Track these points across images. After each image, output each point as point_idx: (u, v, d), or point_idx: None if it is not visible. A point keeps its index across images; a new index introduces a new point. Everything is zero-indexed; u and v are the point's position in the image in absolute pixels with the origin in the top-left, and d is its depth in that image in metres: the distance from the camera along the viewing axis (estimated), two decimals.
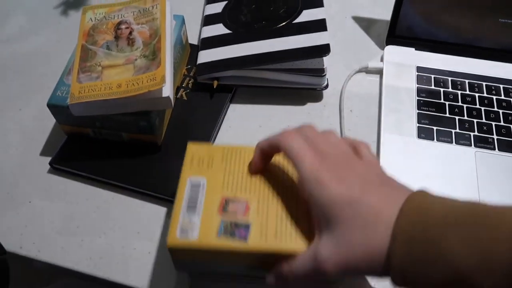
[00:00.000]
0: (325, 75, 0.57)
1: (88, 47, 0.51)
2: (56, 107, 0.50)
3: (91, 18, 0.54)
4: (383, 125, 0.56)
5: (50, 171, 0.54)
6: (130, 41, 0.51)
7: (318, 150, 0.37)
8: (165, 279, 0.46)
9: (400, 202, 0.32)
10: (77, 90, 0.47)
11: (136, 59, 0.49)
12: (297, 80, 0.57)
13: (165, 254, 0.48)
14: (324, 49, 0.55)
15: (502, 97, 0.59)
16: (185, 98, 0.58)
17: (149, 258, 0.48)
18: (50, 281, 1.12)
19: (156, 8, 0.53)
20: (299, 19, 0.59)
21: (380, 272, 0.32)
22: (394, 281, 0.32)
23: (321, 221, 0.35)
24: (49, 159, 0.54)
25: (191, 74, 0.61)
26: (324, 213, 0.34)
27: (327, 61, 0.57)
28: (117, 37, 0.52)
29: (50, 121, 0.58)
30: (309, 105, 0.60)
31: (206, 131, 0.55)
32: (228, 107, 0.60)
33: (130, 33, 0.52)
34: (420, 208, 0.32)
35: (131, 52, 0.50)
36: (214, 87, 0.58)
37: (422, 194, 0.33)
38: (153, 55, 0.49)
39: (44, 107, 0.52)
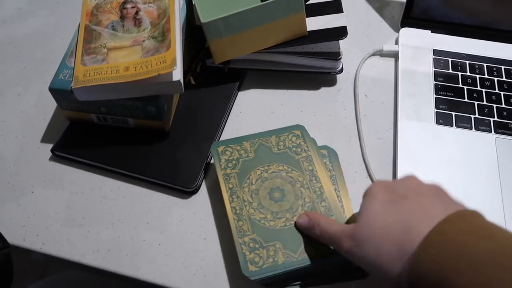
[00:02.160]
0: (341, 58, 0.54)
1: (92, 27, 0.48)
2: (58, 92, 0.48)
3: None
4: (400, 111, 0.54)
5: (52, 159, 0.52)
6: (137, 21, 0.48)
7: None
8: (177, 272, 0.44)
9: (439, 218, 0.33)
10: (82, 73, 0.44)
11: (144, 40, 0.46)
12: (311, 63, 0.55)
13: (177, 246, 0.46)
14: (341, 32, 0.52)
15: None
16: (193, 82, 0.56)
17: (160, 250, 0.46)
18: (44, 271, 1.10)
19: None
20: (314, 0, 0.56)
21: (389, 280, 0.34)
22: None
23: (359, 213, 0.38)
24: (50, 146, 0.51)
25: (199, 57, 0.58)
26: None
27: (340, 44, 0.54)
28: (122, 17, 0.49)
29: (51, 106, 0.55)
30: (323, 90, 0.57)
31: (216, 117, 0.53)
32: (238, 92, 0.57)
33: (137, 12, 0.49)
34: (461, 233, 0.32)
35: (138, 33, 0.47)
36: (225, 71, 0.55)
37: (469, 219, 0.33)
38: (162, 36, 0.46)
39: (44, 92, 0.49)
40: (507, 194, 0.48)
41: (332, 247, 0.41)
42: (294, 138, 0.48)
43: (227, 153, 0.47)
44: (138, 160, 0.50)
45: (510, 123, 0.53)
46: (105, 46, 0.46)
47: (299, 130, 0.49)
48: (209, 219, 0.48)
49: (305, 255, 0.41)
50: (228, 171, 0.46)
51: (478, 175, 0.49)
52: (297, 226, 0.42)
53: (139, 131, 0.51)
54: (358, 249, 0.35)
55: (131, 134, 0.51)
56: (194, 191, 0.49)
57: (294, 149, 0.47)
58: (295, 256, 0.41)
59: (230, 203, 0.44)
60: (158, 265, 0.45)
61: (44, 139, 0.53)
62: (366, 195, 0.38)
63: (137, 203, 0.49)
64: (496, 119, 0.53)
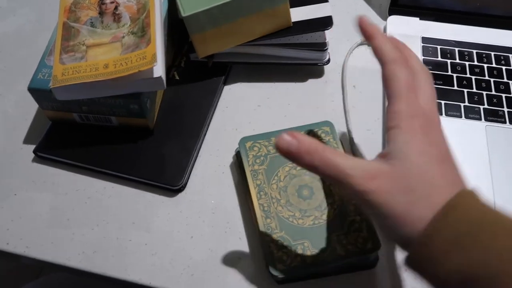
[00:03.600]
0: (327, 49, 0.53)
1: (70, 24, 0.47)
2: (38, 91, 0.46)
3: None
4: None
5: (35, 160, 0.51)
6: (116, 17, 0.47)
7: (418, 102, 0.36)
8: (164, 272, 0.43)
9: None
10: (60, 72, 0.43)
11: (123, 36, 0.45)
12: (297, 55, 0.54)
13: (163, 245, 0.45)
14: (326, 22, 0.51)
15: None
16: (177, 77, 0.55)
17: (146, 250, 0.45)
18: (40, 273, 1.09)
19: None
20: None
21: (400, 237, 0.32)
22: (413, 254, 0.31)
23: (393, 155, 0.33)
24: (33, 147, 0.50)
25: (183, 51, 0.57)
26: (400, 152, 0.33)
27: (327, 34, 0.53)
28: (101, 13, 0.47)
29: (32, 106, 0.54)
30: (310, 82, 0.56)
31: (201, 113, 0.52)
32: (224, 86, 0.56)
33: (116, 8, 0.47)
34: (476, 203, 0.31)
35: (118, 29, 0.46)
36: (209, 65, 0.54)
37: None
38: (142, 31, 0.45)
39: (25, 92, 0.48)
40: (497, 182, 0.47)
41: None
42: (323, 135, 0.47)
43: (255, 148, 0.46)
44: (123, 159, 0.49)
45: (501, 111, 0.52)
46: (84, 44, 0.45)
47: (328, 126, 0.48)
48: (196, 217, 0.47)
49: (334, 254, 0.40)
50: (256, 167, 0.45)
51: (469, 164, 0.48)
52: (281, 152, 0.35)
53: (123, 130, 0.50)
54: (390, 196, 0.31)
55: (115, 132, 0.50)
56: (181, 189, 0.48)
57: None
58: (323, 254, 0.40)
59: (258, 200, 0.43)
60: (145, 265, 0.44)
61: (27, 140, 0.52)
62: (399, 127, 0.34)
63: (123, 203, 0.48)
64: (486, 106, 0.53)
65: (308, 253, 0.40)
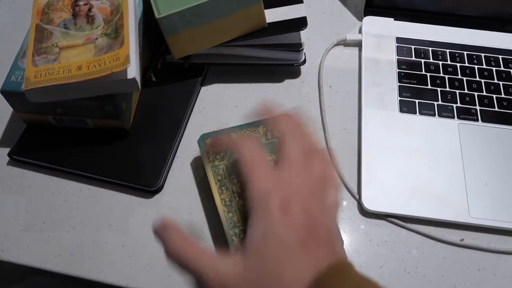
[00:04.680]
0: (303, 49, 0.53)
1: (43, 26, 0.46)
2: (10, 94, 0.46)
3: None
4: (363, 100, 0.54)
5: (10, 163, 0.50)
6: (90, 19, 0.47)
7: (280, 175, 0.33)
8: (141, 273, 0.44)
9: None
10: (33, 74, 0.43)
11: (97, 38, 0.45)
12: (273, 56, 0.54)
13: (141, 247, 0.45)
14: (301, 23, 0.51)
15: (484, 66, 0.57)
16: (154, 79, 0.55)
17: (123, 252, 0.45)
18: (24, 279, 1.08)
19: None
20: None
21: None
22: None
23: (247, 249, 0.31)
24: (8, 150, 0.50)
25: (160, 53, 0.57)
26: (253, 240, 0.30)
27: (303, 34, 0.54)
28: (75, 15, 0.47)
29: (7, 109, 0.53)
30: (287, 82, 0.57)
31: (178, 114, 0.52)
32: (201, 87, 0.56)
33: (89, 9, 0.47)
34: None
35: (91, 31, 0.46)
36: (186, 66, 0.54)
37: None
38: (116, 33, 0.45)
39: None
40: (470, 178, 0.48)
41: None
42: None
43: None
44: (99, 161, 0.49)
45: (473, 109, 0.53)
46: (56, 45, 0.45)
47: None
48: (174, 218, 0.47)
49: None
50: (217, 163, 0.45)
51: (442, 161, 0.49)
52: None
53: (99, 131, 0.50)
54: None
55: (90, 134, 0.50)
56: (158, 190, 0.48)
57: None
58: None
59: (220, 195, 0.44)
60: (122, 267, 0.44)
61: (1, 144, 0.52)
62: (258, 197, 0.31)
63: (99, 205, 0.48)
64: (459, 105, 0.54)
65: None
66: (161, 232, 0.32)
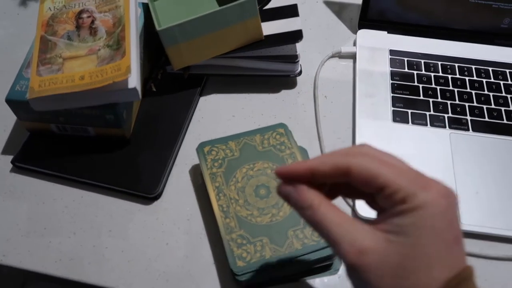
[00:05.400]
0: (299, 61, 0.55)
1: (48, 38, 0.48)
2: (15, 103, 0.48)
3: (50, 8, 0.51)
4: (357, 110, 0.55)
5: (13, 170, 0.51)
6: (93, 31, 0.48)
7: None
8: (139, 278, 0.44)
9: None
10: (37, 84, 0.44)
11: (99, 49, 0.47)
12: (270, 67, 0.56)
13: (140, 252, 0.46)
14: (297, 35, 0.53)
15: (474, 77, 0.59)
16: (154, 89, 0.56)
17: (123, 257, 0.46)
18: (24, 285, 1.08)
19: None
20: (270, 5, 0.57)
21: None
22: None
23: (400, 232, 0.28)
24: (11, 157, 0.51)
25: (160, 64, 0.58)
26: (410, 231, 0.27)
27: (299, 47, 0.55)
28: (78, 27, 0.49)
29: (10, 118, 0.55)
30: (283, 93, 0.58)
31: (177, 123, 0.54)
32: (200, 97, 0.58)
33: (92, 22, 0.49)
34: None
35: (94, 42, 0.47)
36: (185, 77, 0.56)
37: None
38: (117, 44, 0.46)
39: (3, 103, 0.49)
40: (461, 187, 0.49)
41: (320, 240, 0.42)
42: (278, 136, 0.49)
43: (213, 152, 0.48)
44: (100, 168, 0.50)
45: (464, 119, 0.55)
46: (60, 56, 0.46)
47: (282, 128, 0.50)
48: (172, 224, 0.48)
49: (292, 248, 0.42)
50: (214, 170, 0.47)
51: (434, 170, 0.51)
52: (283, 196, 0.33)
53: (100, 140, 0.51)
54: (377, 278, 0.27)
55: (92, 142, 0.51)
56: (156, 197, 0.49)
57: (278, 146, 0.48)
58: (281, 249, 0.42)
59: (217, 201, 0.45)
60: (121, 271, 0.45)
61: (5, 151, 0.53)
62: (424, 207, 0.28)
63: (100, 211, 0.49)
64: (450, 115, 0.55)
65: (267, 248, 0.42)
66: (295, 195, 0.30)
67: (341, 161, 0.30)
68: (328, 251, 0.43)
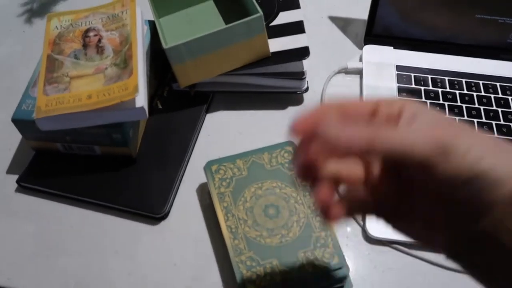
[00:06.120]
0: (305, 78, 0.55)
1: (55, 56, 0.48)
2: (21, 122, 0.47)
3: (56, 26, 0.51)
4: None
5: (18, 190, 0.51)
6: (100, 49, 0.48)
7: None
8: None
9: None
10: (44, 103, 0.44)
11: (106, 68, 0.46)
12: (277, 84, 0.55)
13: (147, 274, 0.45)
14: (303, 52, 0.53)
15: (482, 93, 0.58)
16: (160, 106, 0.56)
17: (129, 280, 0.45)
18: None
19: (126, 13, 0.51)
20: (276, 22, 0.57)
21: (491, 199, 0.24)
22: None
23: None
24: (16, 177, 0.50)
25: (166, 81, 0.58)
26: None
27: (306, 63, 0.55)
28: (85, 45, 0.49)
29: (16, 137, 0.54)
30: (290, 109, 0.58)
31: (184, 141, 0.53)
32: (206, 114, 0.57)
33: (99, 40, 0.49)
34: None
35: (101, 61, 0.47)
36: (192, 94, 0.55)
37: None
38: (124, 63, 0.46)
39: (9, 122, 0.49)
40: None
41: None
42: (286, 154, 0.49)
43: (221, 171, 0.47)
44: (106, 188, 0.49)
45: None
46: (67, 75, 0.46)
47: (290, 146, 0.49)
48: (180, 245, 0.47)
49: (303, 271, 0.41)
50: (222, 190, 0.46)
51: None
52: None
53: (106, 159, 0.51)
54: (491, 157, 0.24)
55: (98, 162, 0.51)
56: (163, 217, 0.49)
57: (287, 165, 0.48)
58: (292, 272, 0.41)
59: (226, 222, 0.44)
60: None
61: (10, 170, 0.52)
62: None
63: (106, 232, 0.48)
64: None
65: (277, 271, 0.41)
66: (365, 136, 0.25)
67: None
68: (339, 273, 0.42)
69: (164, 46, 0.49)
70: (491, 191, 0.24)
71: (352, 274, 0.45)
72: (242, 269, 0.42)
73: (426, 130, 0.25)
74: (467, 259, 0.27)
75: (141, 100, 0.45)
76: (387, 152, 0.25)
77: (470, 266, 0.27)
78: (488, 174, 0.24)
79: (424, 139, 0.25)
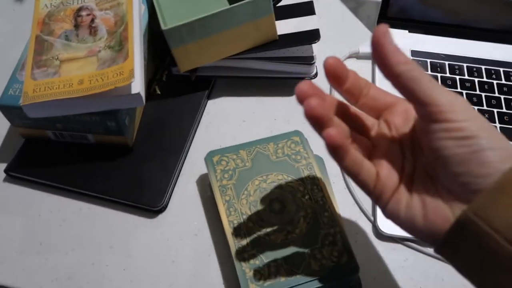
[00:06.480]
0: (315, 62, 0.51)
1: (44, 38, 0.44)
2: (8, 108, 0.44)
3: (46, 4, 0.47)
4: None
5: (6, 180, 0.48)
6: (92, 30, 0.44)
7: None
8: None
9: None
10: (31, 89, 0.40)
11: (99, 51, 0.43)
12: (284, 69, 0.52)
13: (143, 271, 0.43)
14: (313, 35, 0.49)
15: (503, 81, 0.54)
16: (158, 92, 0.52)
17: (125, 276, 0.42)
18: None
19: None
20: (284, 2, 0.53)
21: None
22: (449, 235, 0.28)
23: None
24: (4, 166, 0.47)
25: (165, 65, 0.54)
26: None
27: (314, 47, 0.51)
28: (77, 26, 0.45)
29: (4, 123, 0.51)
30: None
31: (183, 129, 0.50)
32: (207, 100, 0.54)
33: (92, 20, 0.45)
34: None
35: (94, 43, 0.44)
36: (192, 79, 0.52)
37: None
38: (120, 45, 0.43)
39: None
40: None
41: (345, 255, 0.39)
42: (293, 145, 0.45)
43: (223, 163, 0.44)
44: (100, 178, 0.46)
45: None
46: (57, 58, 0.43)
47: (297, 136, 0.46)
48: (178, 240, 0.44)
49: (309, 270, 0.38)
50: (225, 182, 0.43)
51: None
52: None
53: (100, 148, 0.48)
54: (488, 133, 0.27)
55: (92, 151, 0.48)
56: (161, 210, 0.46)
57: (293, 156, 0.45)
58: (297, 271, 0.38)
59: (228, 217, 0.41)
60: None
61: None
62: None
63: (100, 225, 0.45)
64: None
65: (282, 270, 0.39)
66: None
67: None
68: (349, 272, 0.39)
69: (163, 27, 0.45)
70: (481, 170, 0.26)
71: (362, 274, 0.43)
72: (245, 267, 0.39)
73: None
74: (452, 251, 0.29)
75: (138, 85, 0.41)
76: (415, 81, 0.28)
77: (455, 260, 0.29)
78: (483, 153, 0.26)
79: (448, 94, 0.28)
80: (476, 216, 0.27)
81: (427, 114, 0.28)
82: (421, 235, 0.30)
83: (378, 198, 0.31)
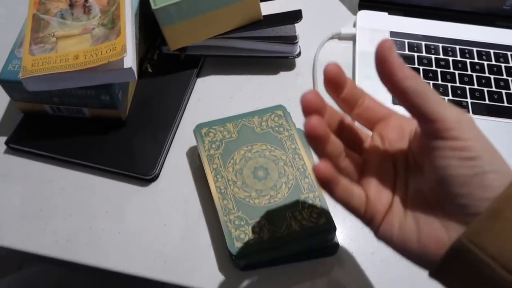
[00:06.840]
0: (297, 42, 0.54)
1: (40, 16, 0.47)
2: (8, 83, 0.47)
3: None
4: None
5: (7, 152, 0.51)
6: (86, 9, 0.47)
7: None
8: (136, 259, 0.44)
9: None
10: (30, 63, 0.43)
11: (93, 28, 0.46)
12: (268, 48, 0.55)
13: (137, 234, 0.46)
14: (296, 15, 0.52)
15: (476, 60, 0.58)
16: (150, 70, 0.55)
17: (119, 238, 0.46)
18: (21, 267, 1.09)
19: None
20: None
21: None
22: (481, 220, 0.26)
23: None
24: (5, 138, 0.50)
25: (156, 44, 0.57)
26: None
27: (298, 27, 0.54)
28: (71, 5, 0.48)
29: (4, 98, 0.54)
30: (282, 74, 0.57)
31: (174, 104, 0.53)
32: (197, 78, 0.57)
33: (86, 0, 0.48)
34: None
35: (88, 21, 0.46)
36: (182, 58, 0.55)
37: None
38: (112, 23, 0.45)
39: None
40: None
41: (323, 216, 0.42)
42: (276, 118, 0.49)
43: (211, 134, 0.47)
44: (96, 150, 0.49)
45: (464, 101, 0.54)
46: (53, 35, 0.45)
47: (281, 110, 0.49)
48: (169, 206, 0.48)
49: (290, 230, 0.42)
50: (212, 152, 0.46)
51: None
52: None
53: (95, 121, 0.51)
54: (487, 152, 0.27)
55: (87, 124, 0.51)
56: (153, 179, 0.49)
57: (276, 128, 0.48)
58: (280, 231, 0.42)
59: (215, 183, 0.45)
60: (118, 253, 0.45)
61: None
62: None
63: (96, 193, 0.48)
64: (450, 97, 0.55)
65: (265, 230, 0.42)
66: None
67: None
68: (327, 233, 0.43)
69: (153, 7, 0.48)
70: (480, 192, 0.26)
71: (339, 234, 0.46)
72: (231, 228, 0.42)
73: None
74: (447, 277, 0.28)
75: (130, 61, 0.44)
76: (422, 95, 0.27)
77: (450, 286, 0.29)
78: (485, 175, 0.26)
79: (455, 111, 0.27)
80: (471, 243, 0.26)
81: (433, 131, 0.27)
82: (414, 258, 0.29)
83: (369, 222, 0.30)
